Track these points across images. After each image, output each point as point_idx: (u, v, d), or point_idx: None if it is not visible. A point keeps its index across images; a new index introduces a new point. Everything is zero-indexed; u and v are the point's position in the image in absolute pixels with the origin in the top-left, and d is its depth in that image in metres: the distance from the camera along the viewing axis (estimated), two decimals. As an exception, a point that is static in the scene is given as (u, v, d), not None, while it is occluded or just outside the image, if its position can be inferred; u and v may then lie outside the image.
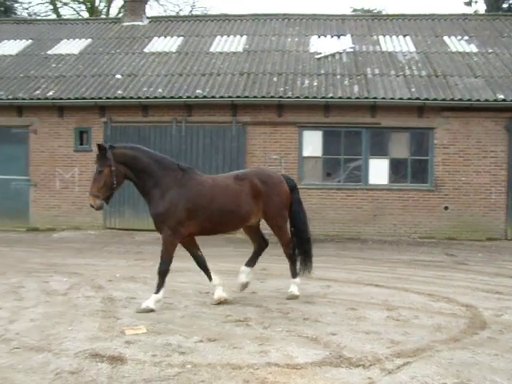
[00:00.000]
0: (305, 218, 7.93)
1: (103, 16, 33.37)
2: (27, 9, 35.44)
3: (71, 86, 16.27)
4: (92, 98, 15.56)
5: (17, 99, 15.96)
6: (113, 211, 15.59)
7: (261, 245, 7.93)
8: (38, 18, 31.61)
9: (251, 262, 7.89)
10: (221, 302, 7.36)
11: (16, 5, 34.43)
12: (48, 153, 16.11)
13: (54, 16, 34.60)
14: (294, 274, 7.87)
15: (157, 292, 7.14)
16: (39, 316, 6.88)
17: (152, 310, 7.00)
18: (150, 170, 7.30)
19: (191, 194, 7.30)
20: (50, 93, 15.99)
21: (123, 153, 7.27)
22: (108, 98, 15.50)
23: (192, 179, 7.40)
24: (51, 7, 36.40)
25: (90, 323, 6.52)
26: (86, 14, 35.42)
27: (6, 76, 17.27)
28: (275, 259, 11.42)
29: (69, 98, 15.66)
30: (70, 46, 19.31)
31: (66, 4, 36.96)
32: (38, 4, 36.99)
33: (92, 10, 35.37)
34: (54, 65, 17.79)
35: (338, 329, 6.30)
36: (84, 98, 15.60)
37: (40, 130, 16.14)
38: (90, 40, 19.76)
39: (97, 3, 36.32)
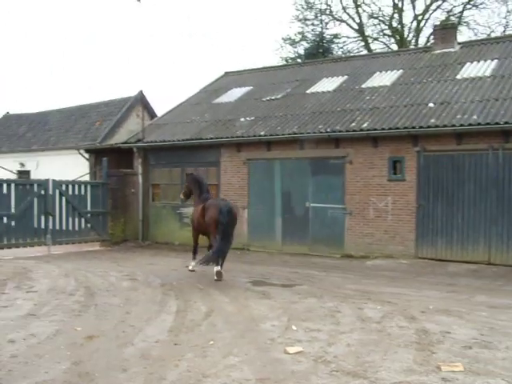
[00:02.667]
0: (223, 234, 11.56)
1: (412, 46, 33.67)
2: (342, 47, 37.61)
3: (384, 116, 16.59)
4: (405, 128, 15.51)
5: (334, 132, 16.81)
6: (425, 241, 15.42)
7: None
8: (352, 54, 33.32)
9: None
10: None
11: (332, 45, 36.94)
12: (362, 182, 16.58)
13: (365, 51, 36.18)
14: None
15: (192, 260, 13.09)
16: (354, 342, 7.08)
17: (191, 270, 12.97)
18: (195, 192, 13.20)
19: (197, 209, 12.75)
20: (365, 124, 16.50)
21: (189, 178, 13.50)
22: (421, 127, 15.27)
23: (202, 202, 12.61)
24: (363, 44, 38.23)
25: (405, 354, 6.48)
26: (395, 47, 36.27)
27: (325, 111, 18.47)
28: None
29: (383, 129, 15.92)
30: (383, 78, 19.91)
31: (376, 39, 38.54)
32: (351, 42, 38.95)
33: (401, 42, 36.09)
34: (367, 97, 18.46)
35: None
36: (397, 128, 15.67)
37: (355, 161, 16.73)
38: (401, 71, 20.08)
39: (405, 34, 36.95)
